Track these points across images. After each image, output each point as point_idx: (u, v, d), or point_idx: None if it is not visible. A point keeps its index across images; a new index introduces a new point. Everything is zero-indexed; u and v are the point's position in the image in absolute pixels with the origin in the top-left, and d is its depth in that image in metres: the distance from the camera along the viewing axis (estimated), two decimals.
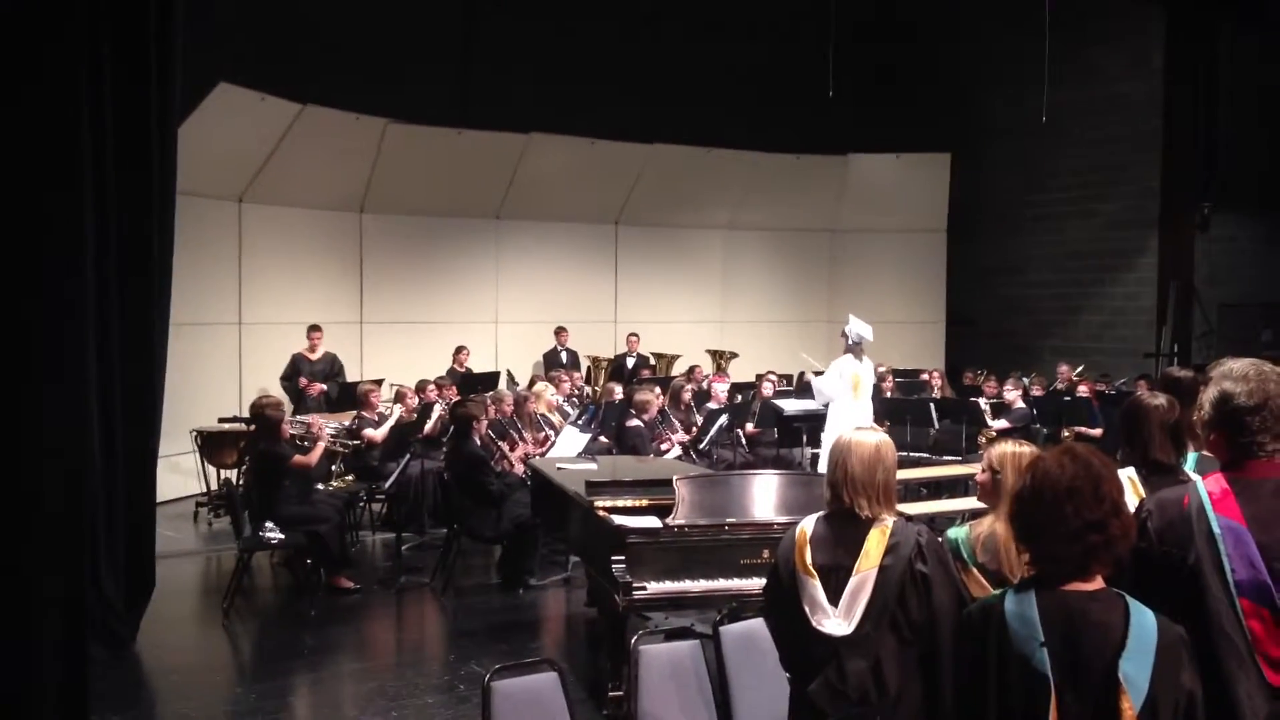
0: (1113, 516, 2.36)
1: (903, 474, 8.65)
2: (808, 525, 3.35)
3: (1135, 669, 2.25)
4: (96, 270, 5.66)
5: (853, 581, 3.22)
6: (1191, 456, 3.90)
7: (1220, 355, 2.96)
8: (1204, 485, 2.79)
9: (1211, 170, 13.86)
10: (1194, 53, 13.91)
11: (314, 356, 11.76)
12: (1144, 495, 3.46)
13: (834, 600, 3.22)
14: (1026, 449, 3.42)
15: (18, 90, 4.55)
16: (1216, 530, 2.69)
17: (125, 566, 6.42)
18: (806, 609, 3.26)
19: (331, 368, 11.82)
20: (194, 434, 10.33)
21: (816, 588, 3.25)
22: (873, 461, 3.29)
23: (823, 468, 9.92)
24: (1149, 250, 14.51)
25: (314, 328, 11.82)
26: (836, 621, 3.21)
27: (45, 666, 4.45)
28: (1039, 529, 2.40)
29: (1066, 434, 10.31)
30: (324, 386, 11.52)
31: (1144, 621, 2.31)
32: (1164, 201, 14.21)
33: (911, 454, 10.68)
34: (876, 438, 3.37)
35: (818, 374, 11.09)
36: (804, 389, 11.34)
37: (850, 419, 10.33)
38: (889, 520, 3.27)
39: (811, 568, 3.26)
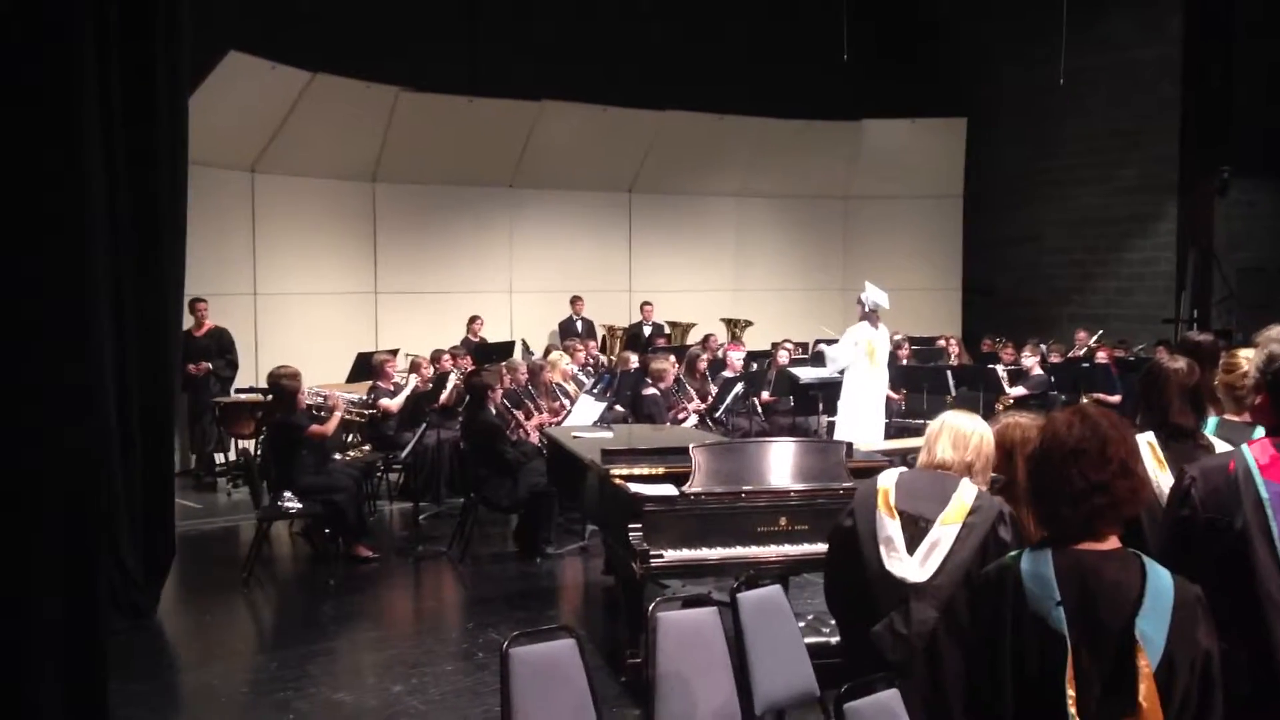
0: (1119, 478, 2.34)
1: (917, 442, 8.62)
2: (889, 476, 3.48)
3: (1152, 627, 2.25)
4: (110, 239, 5.65)
5: (934, 532, 3.30)
6: (1211, 420, 3.86)
7: (1240, 321, 2.94)
8: (1250, 451, 2.77)
9: (1230, 135, 13.69)
10: (1211, 16, 13.71)
11: (199, 333, 10.62)
12: (1163, 460, 3.44)
13: (910, 549, 3.31)
14: (1013, 420, 3.55)
15: (21, 63, 4.52)
16: (1265, 495, 2.68)
17: (144, 537, 6.46)
18: (881, 548, 3.34)
19: (219, 344, 10.74)
20: (212, 404, 10.38)
21: (896, 528, 3.35)
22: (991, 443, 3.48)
23: (839, 435, 9.93)
24: (1167, 216, 14.37)
25: (198, 300, 10.40)
26: (912, 566, 3.28)
27: (63, 637, 4.47)
28: (1047, 490, 2.41)
29: (1085, 400, 10.26)
30: (209, 365, 10.56)
31: (1160, 580, 2.30)
32: (1182, 166, 14.05)
33: (927, 422, 10.61)
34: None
35: (830, 342, 11.05)
36: (818, 357, 11.31)
37: (866, 386, 10.32)
38: (976, 487, 3.36)
39: (894, 510, 3.36)
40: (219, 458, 10.79)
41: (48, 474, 4.50)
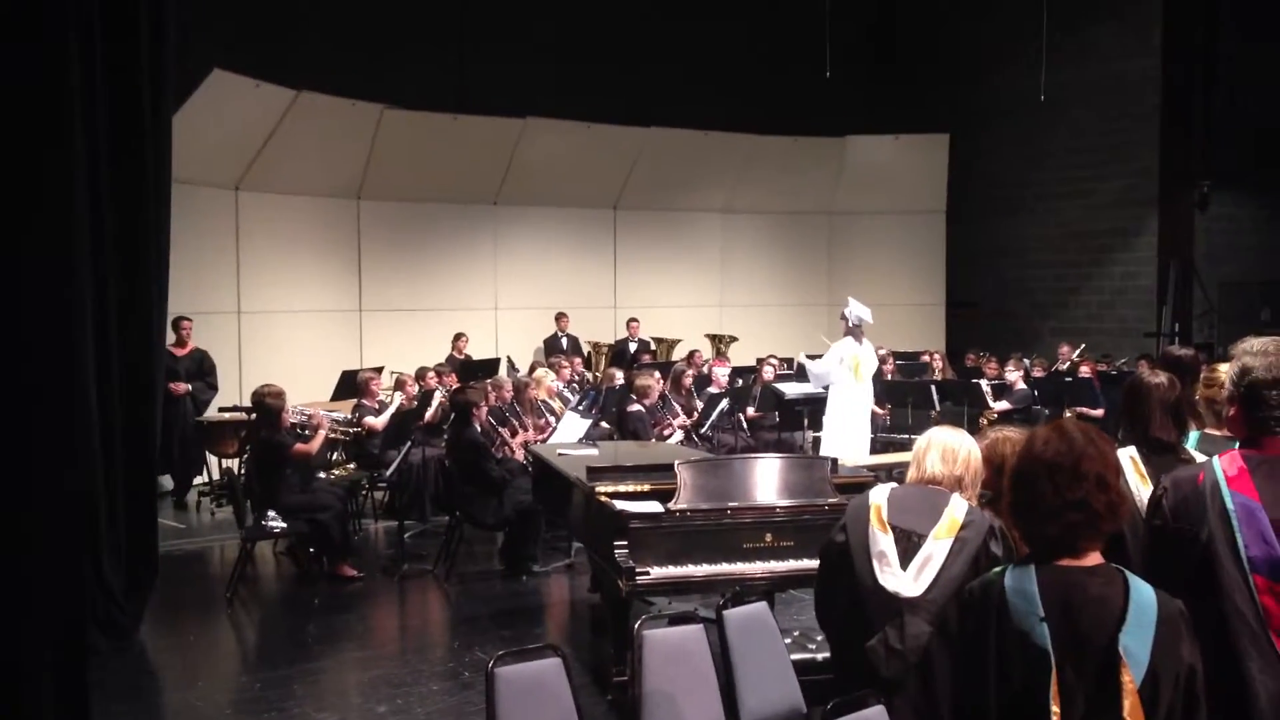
0: (1096, 494, 2.34)
1: (903, 457, 8.65)
2: (880, 492, 3.50)
3: (1135, 643, 2.25)
4: (94, 256, 5.63)
5: (927, 546, 3.32)
6: (1193, 435, 3.89)
7: (1221, 334, 2.98)
8: (1219, 463, 2.79)
9: (1210, 149, 13.82)
10: (1192, 32, 13.85)
11: (180, 353, 10.30)
12: (1145, 474, 3.46)
13: (903, 564, 3.33)
14: (1003, 435, 3.59)
15: (5, 79, 4.51)
16: (1230, 507, 2.69)
17: (127, 556, 6.41)
18: (874, 563, 3.36)
19: (200, 366, 10.49)
20: (196, 423, 10.33)
21: (889, 543, 3.37)
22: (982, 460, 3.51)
23: (824, 451, 9.95)
24: (1148, 229, 14.48)
25: (183, 319, 10.20)
26: (905, 580, 3.30)
27: (43, 657, 4.44)
28: (1025, 506, 2.43)
29: (1068, 414, 10.31)
30: (188, 386, 10.31)
31: (1143, 596, 2.31)
32: (1163, 180, 14.18)
33: (912, 436, 10.65)
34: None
35: (812, 357, 11.07)
36: (800, 370, 11.34)
37: (851, 402, 10.35)
38: (966, 502, 3.38)
39: (887, 525, 3.38)
40: (201, 475, 10.71)
41: (33, 489, 4.47)
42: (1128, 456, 3.47)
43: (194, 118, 9.77)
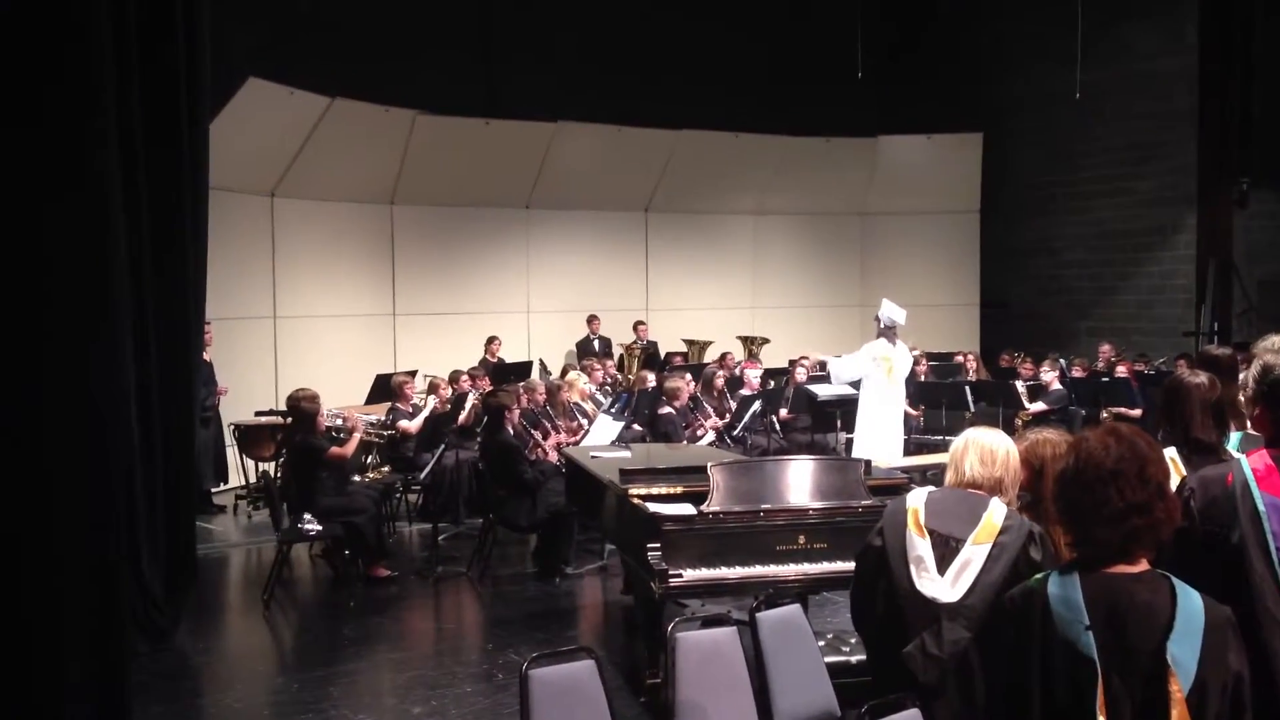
0: (1157, 499, 2.31)
1: (936, 458, 8.59)
2: (918, 496, 3.46)
3: (1183, 651, 2.22)
4: (132, 261, 5.69)
5: (965, 551, 3.28)
6: (1235, 436, 3.84)
7: (1260, 333, 2.94)
8: (1248, 463, 2.75)
9: (1249, 146, 13.62)
10: (1228, 28, 13.67)
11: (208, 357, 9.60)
12: (1186, 475, 3.42)
13: (941, 569, 3.29)
14: (1042, 437, 3.53)
15: (39, 90, 4.57)
16: (1261, 508, 2.66)
17: (166, 559, 6.48)
18: (912, 568, 3.32)
19: (211, 371, 9.95)
20: (231, 427, 10.44)
21: (926, 547, 3.33)
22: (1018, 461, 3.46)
23: (856, 452, 9.90)
24: (1186, 228, 14.28)
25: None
26: (943, 586, 3.26)
27: (83, 659, 4.49)
28: (1082, 511, 2.37)
29: (1105, 415, 10.20)
30: (226, 388, 10.23)
31: (1191, 603, 2.27)
32: (1201, 178, 13.98)
33: (947, 438, 10.60)
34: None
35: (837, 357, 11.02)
36: (825, 371, 11.30)
37: (884, 403, 10.28)
38: (1005, 506, 3.34)
39: (925, 529, 3.35)
40: (238, 479, 10.82)
41: (70, 492, 4.52)
42: (1169, 458, 3.43)
43: (230, 125, 9.88)
